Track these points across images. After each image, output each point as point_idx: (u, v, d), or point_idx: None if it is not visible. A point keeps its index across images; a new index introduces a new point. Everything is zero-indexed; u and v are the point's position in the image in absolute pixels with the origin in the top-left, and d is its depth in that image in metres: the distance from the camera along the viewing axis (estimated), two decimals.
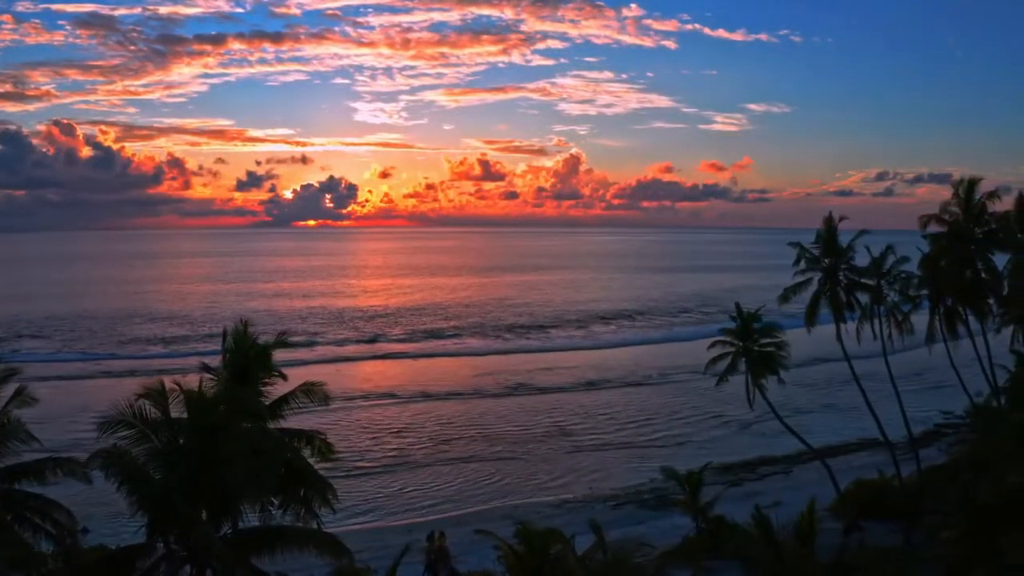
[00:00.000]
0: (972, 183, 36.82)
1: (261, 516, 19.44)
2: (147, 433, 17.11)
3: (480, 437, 50.52)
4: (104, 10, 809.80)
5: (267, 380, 21.22)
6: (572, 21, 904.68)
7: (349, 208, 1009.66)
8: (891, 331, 35.98)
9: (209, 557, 15.73)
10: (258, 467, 16.74)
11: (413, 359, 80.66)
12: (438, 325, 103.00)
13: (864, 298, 35.71)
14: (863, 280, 35.47)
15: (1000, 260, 39.35)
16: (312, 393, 21.11)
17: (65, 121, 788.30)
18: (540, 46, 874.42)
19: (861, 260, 36.42)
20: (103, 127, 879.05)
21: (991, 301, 38.53)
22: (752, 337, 32.88)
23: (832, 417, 54.57)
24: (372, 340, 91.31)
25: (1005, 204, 40.91)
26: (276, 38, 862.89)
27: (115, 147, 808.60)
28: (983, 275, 36.91)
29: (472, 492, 40.74)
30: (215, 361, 20.63)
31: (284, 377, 21.90)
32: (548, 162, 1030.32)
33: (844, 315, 35.15)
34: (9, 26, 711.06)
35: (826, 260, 35.46)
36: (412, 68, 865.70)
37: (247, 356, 20.72)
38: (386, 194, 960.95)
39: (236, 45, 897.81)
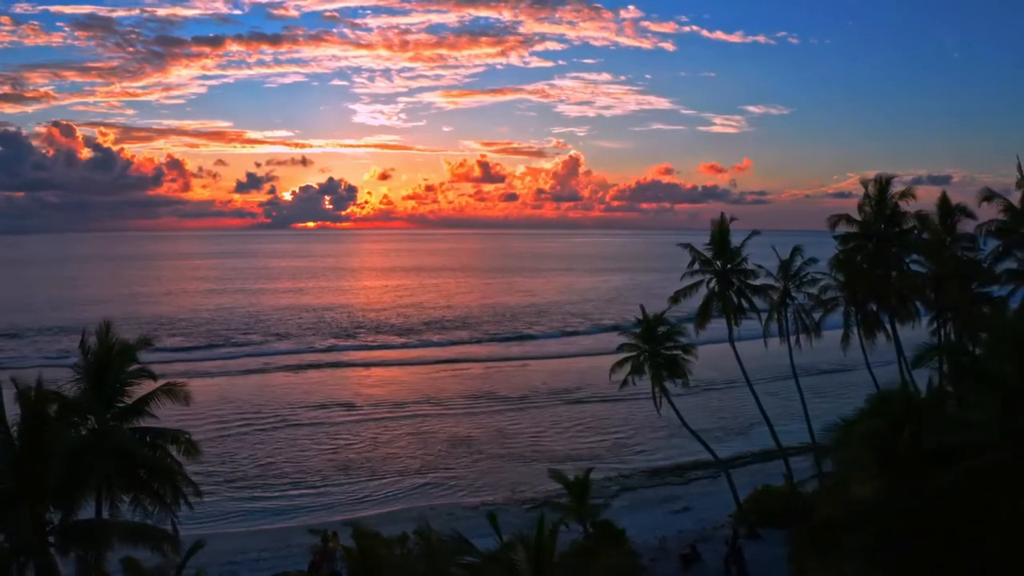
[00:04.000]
0: (885, 181, 36.26)
1: (111, 511, 20.01)
2: None
3: (422, 441, 50.71)
4: (102, 12, 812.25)
5: (132, 380, 21.85)
6: (570, 23, 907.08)
7: (348, 210, 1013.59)
8: (799, 335, 35.83)
9: (20, 548, 16.22)
10: (84, 463, 17.23)
11: (381, 366, 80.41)
12: (419, 329, 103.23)
13: (772, 301, 35.44)
14: (762, 283, 35.12)
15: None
16: (173, 393, 21.69)
17: (64, 123, 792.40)
18: (538, 48, 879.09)
19: (771, 263, 36.29)
20: (102, 128, 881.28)
21: (918, 303, 38.41)
22: (656, 340, 32.96)
23: (794, 424, 54.52)
24: (333, 348, 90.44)
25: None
26: (274, 40, 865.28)
27: (114, 148, 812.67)
28: (895, 275, 36.62)
29: (397, 494, 40.98)
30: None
31: (153, 377, 22.47)
32: (547, 164, 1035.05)
33: (738, 318, 34.92)
34: (7, 28, 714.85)
35: (717, 262, 34.97)
36: (410, 70, 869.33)
37: (109, 356, 21.31)
38: (385, 196, 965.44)
39: (234, 47, 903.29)
